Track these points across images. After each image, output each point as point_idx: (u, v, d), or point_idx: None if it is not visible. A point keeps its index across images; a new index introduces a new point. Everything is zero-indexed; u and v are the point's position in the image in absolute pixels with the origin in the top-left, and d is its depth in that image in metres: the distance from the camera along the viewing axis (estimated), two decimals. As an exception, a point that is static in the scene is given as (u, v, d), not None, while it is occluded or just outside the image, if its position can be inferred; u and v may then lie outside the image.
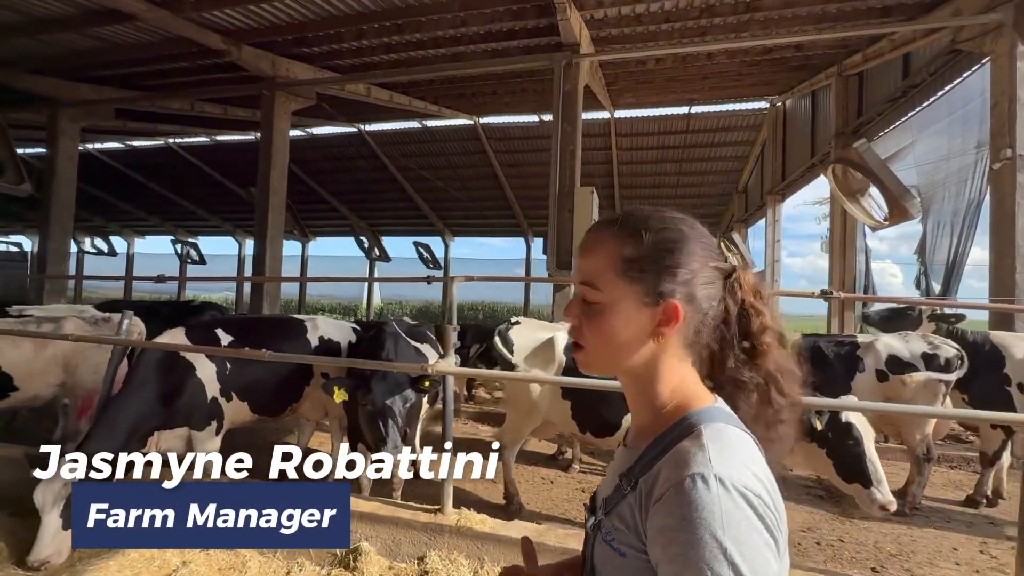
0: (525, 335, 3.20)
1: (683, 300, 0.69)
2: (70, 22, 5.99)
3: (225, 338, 3.18)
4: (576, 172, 5.75)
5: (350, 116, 11.75)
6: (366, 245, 15.02)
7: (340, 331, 3.85)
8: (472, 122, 14.18)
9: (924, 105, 6.46)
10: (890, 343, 3.73)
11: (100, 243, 17.59)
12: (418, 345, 3.48)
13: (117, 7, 5.16)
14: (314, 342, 3.60)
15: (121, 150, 17.10)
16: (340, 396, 2.60)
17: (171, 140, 16.67)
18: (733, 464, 0.60)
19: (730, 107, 13.03)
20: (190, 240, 21.24)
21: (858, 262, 8.25)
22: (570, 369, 2.85)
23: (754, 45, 7.14)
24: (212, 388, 2.97)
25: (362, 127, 15.30)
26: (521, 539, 0.87)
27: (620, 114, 13.31)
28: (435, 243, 19.29)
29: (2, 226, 22.48)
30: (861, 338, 3.94)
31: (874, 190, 7.38)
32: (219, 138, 16.42)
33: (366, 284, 22.90)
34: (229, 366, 3.04)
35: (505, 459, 3.24)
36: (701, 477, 0.58)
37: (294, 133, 16.13)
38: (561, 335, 2.99)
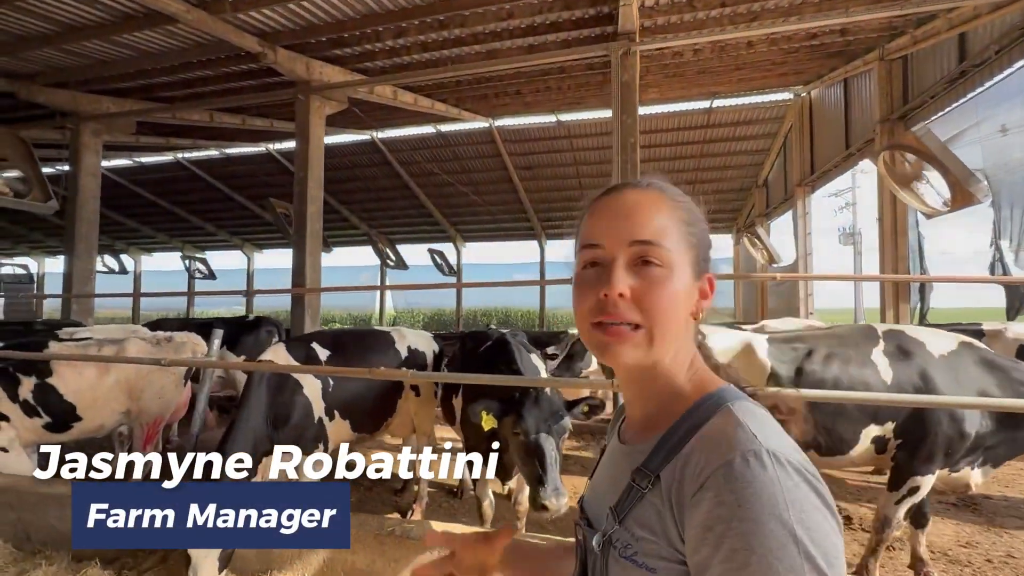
0: (716, 342, 2.89)
1: (712, 274, 0.67)
2: (102, 30, 5.72)
3: (323, 353, 2.89)
4: (637, 166, 5.49)
5: (376, 121, 11.50)
6: (386, 253, 14.75)
7: (425, 341, 3.61)
8: (488, 124, 13.99)
9: (990, 83, 6.22)
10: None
11: (111, 261, 17.32)
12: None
13: (158, 8, 4.89)
14: (403, 353, 3.34)
15: (129, 167, 16.84)
16: (488, 423, 2.29)
17: (180, 155, 16.44)
18: (782, 439, 0.54)
19: (753, 99, 12.82)
20: (198, 256, 20.93)
21: (911, 250, 7.98)
22: (773, 377, 2.50)
23: (800, 29, 6.90)
24: (318, 407, 2.68)
25: (375, 134, 15.09)
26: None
27: (642, 111, 13.11)
28: (447, 249, 19.05)
29: (8, 248, 22.16)
30: None
31: (931, 175, 7.13)
32: (229, 151, 16.20)
33: (377, 293, 22.65)
34: (332, 383, 2.75)
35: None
36: (753, 454, 0.51)
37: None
38: (756, 338, 2.65)
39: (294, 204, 6.81)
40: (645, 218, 0.64)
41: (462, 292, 21.56)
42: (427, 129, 14.51)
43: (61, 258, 22.97)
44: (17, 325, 5.16)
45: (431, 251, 18.03)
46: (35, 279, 20.88)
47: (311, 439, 2.63)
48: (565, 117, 13.75)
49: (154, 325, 4.43)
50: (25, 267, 20.21)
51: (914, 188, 7.52)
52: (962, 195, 6.62)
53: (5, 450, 3.11)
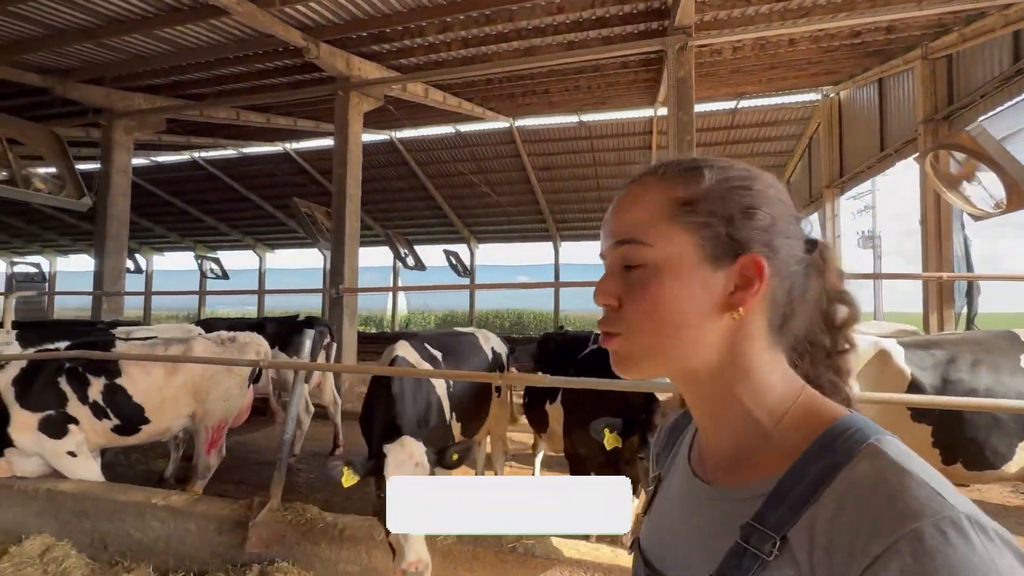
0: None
1: (767, 254, 0.51)
2: (145, 23, 5.60)
3: (437, 353, 2.75)
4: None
5: (402, 120, 11.40)
6: (403, 254, 14.64)
7: (500, 343, 3.49)
8: (508, 124, 13.88)
9: (1050, 82, 6.07)
10: None
11: (127, 261, 17.20)
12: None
13: (211, 1, 4.77)
14: (488, 354, 3.21)
15: (146, 166, 16.75)
16: (612, 441, 2.13)
17: (197, 154, 16.37)
18: (966, 499, 0.41)
19: (779, 100, 12.67)
20: (210, 255, 20.79)
21: (956, 252, 7.81)
22: (914, 386, 2.30)
23: (850, 25, 6.78)
24: (447, 408, 2.51)
25: (393, 134, 15.02)
26: None
27: (664, 111, 12.97)
28: (461, 251, 18.94)
29: (20, 247, 22.11)
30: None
31: (983, 176, 6.98)
32: (247, 150, 16.12)
33: (389, 293, 22.54)
34: (451, 384, 2.60)
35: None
36: (951, 523, 0.38)
37: (320, 143, 15.87)
38: (889, 343, 2.48)
39: (333, 202, 6.68)
40: (625, 213, 0.55)
41: (475, 294, 21.44)
42: (446, 129, 14.41)
43: (72, 257, 22.86)
44: (77, 324, 5.03)
45: (446, 252, 17.92)
46: (47, 277, 20.78)
47: (441, 439, 2.47)
48: (587, 118, 13.65)
49: (203, 326, 4.29)
50: (37, 266, 20.12)
51: (961, 189, 7.37)
52: (1019, 196, 6.46)
53: (73, 454, 2.97)
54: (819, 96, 12.35)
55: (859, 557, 0.39)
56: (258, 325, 4.52)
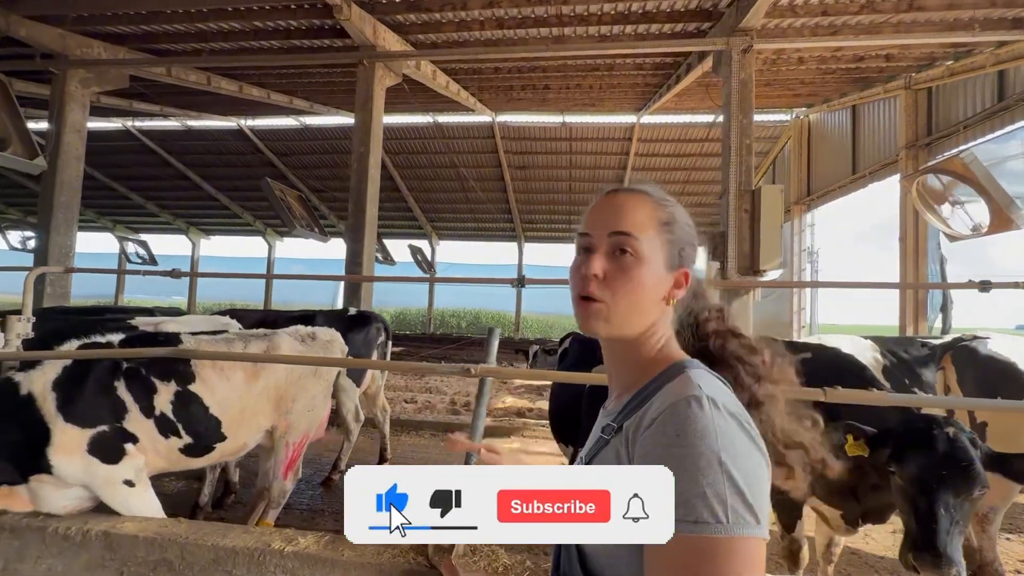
0: (1010, 352, 2.57)
1: (690, 270, 0.78)
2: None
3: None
4: (751, 169, 5.29)
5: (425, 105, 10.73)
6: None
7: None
8: (490, 119, 13.50)
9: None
10: None
11: (14, 237, 14.88)
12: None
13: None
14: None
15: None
16: (856, 450, 1.87)
17: (131, 122, 14.47)
18: (725, 394, 0.64)
19: (757, 118, 13.23)
20: (133, 238, 18.38)
21: (932, 271, 8.46)
22: None
23: (875, 47, 7.09)
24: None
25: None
26: None
27: (646, 119, 13.18)
28: (423, 246, 18.24)
29: None
30: None
31: (967, 200, 7.59)
32: (192, 123, 14.47)
33: (340, 289, 21.23)
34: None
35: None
36: (695, 399, 0.61)
37: (280, 121, 14.59)
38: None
39: (352, 185, 5.95)
40: (626, 214, 0.74)
41: (435, 291, 20.72)
42: (424, 118, 13.73)
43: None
44: (101, 311, 3.97)
45: (412, 247, 17.17)
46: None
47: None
48: (571, 119, 13.57)
49: (231, 318, 3.56)
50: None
51: (937, 211, 7.98)
52: (1001, 221, 7.07)
53: (131, 483, 2.24)
54: (789, 117, 13.09)
55: (643, 426, 0.64)
56: (306, 319, 3.83)
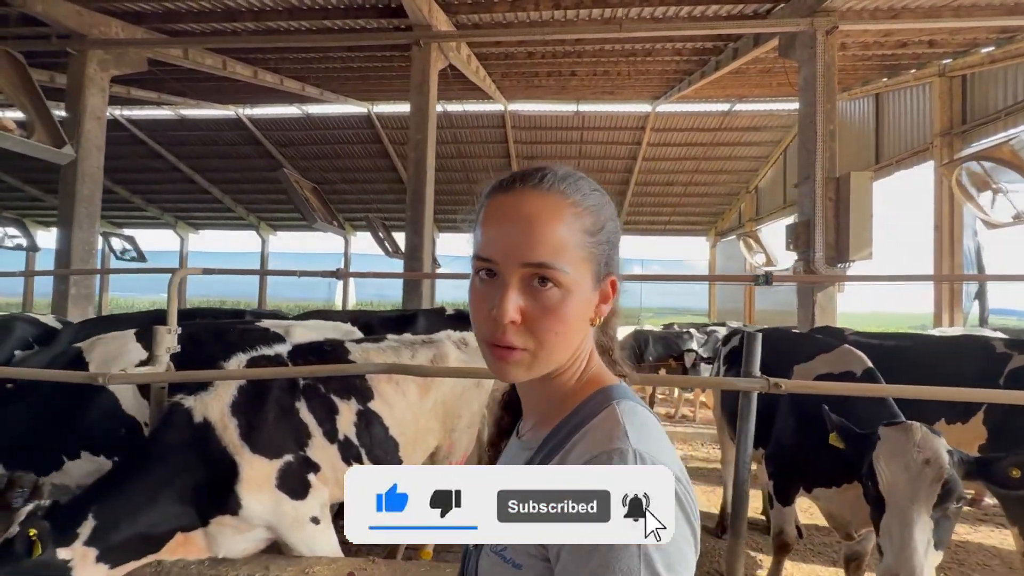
0: None
1: (617, 275, 0.66)
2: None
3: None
4: (835, 155, 5.13)
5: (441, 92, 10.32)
6: (381, 239, 13.34)
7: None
8: (502, 108, 13.17)
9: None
10: None
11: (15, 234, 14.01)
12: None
13: None
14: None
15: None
16: (837, 441, 1.78)
17: (119, 111, 13.65)
18: (657, 443, 0.55)
19: (769, 106, 13.17)
20: (116, 233, 17.41)
21: (967, 258, 8.52)
22: None
23: (937, 28, 6.93)
24: None
25: (370, 107, 13.65)
26: None
27: (662, 108, 13.00)
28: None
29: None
30: None
31: (1013, 189, 7.63)
32: (185, 112, 13.73)
33: (339, 288, 20.63)
34: None
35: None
36: (619, 453, 0.53)
37: (282, 110, 13.97)
38: None
39: (410, 174, 5.59)
40: (541, 234, 0.58)
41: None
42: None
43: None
44: (221, 316, 3.53)
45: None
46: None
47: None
48: (585, 107, 13.33)
49: (324, 319, 3.23)
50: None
51: (976, 198, 8.03)
52: (1049, 207, 7.13)
53: (317, 521, 1.91)
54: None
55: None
56: (405, 319, 3.51)
